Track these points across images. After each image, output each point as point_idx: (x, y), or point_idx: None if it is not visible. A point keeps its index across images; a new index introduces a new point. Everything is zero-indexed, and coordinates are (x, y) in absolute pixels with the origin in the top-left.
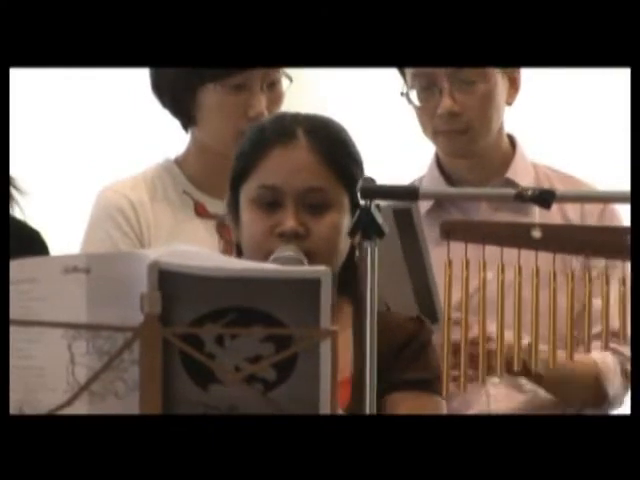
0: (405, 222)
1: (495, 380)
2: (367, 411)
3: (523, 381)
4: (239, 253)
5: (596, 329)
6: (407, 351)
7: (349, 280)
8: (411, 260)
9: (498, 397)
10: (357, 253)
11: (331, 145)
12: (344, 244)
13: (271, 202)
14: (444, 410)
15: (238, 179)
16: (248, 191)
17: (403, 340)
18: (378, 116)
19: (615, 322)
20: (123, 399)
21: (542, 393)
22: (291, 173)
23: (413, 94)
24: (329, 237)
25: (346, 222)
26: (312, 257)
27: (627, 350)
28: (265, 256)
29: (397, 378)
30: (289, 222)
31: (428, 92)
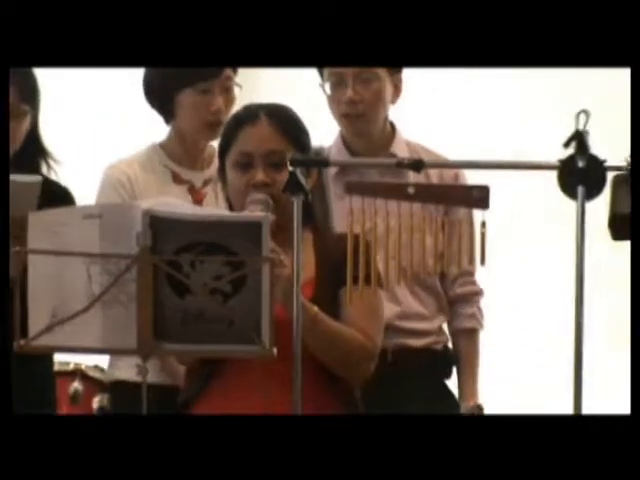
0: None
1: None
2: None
3: (398, 293)
4: (229, 203)
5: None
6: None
7: (308, 213)
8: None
9: None
10: (310, 196)
11: (285, 121)
12: None
13: (246, 164)
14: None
15: (223, 150)
16: (230, 158)
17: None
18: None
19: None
20: (125, 306)
21: (413, 304)
22: (258, 142)
23: (327, 86)
24: None
25: None
26: (277, 200)
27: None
28: (245, 202)
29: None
30: (259, 176)
31: (338, 85)
